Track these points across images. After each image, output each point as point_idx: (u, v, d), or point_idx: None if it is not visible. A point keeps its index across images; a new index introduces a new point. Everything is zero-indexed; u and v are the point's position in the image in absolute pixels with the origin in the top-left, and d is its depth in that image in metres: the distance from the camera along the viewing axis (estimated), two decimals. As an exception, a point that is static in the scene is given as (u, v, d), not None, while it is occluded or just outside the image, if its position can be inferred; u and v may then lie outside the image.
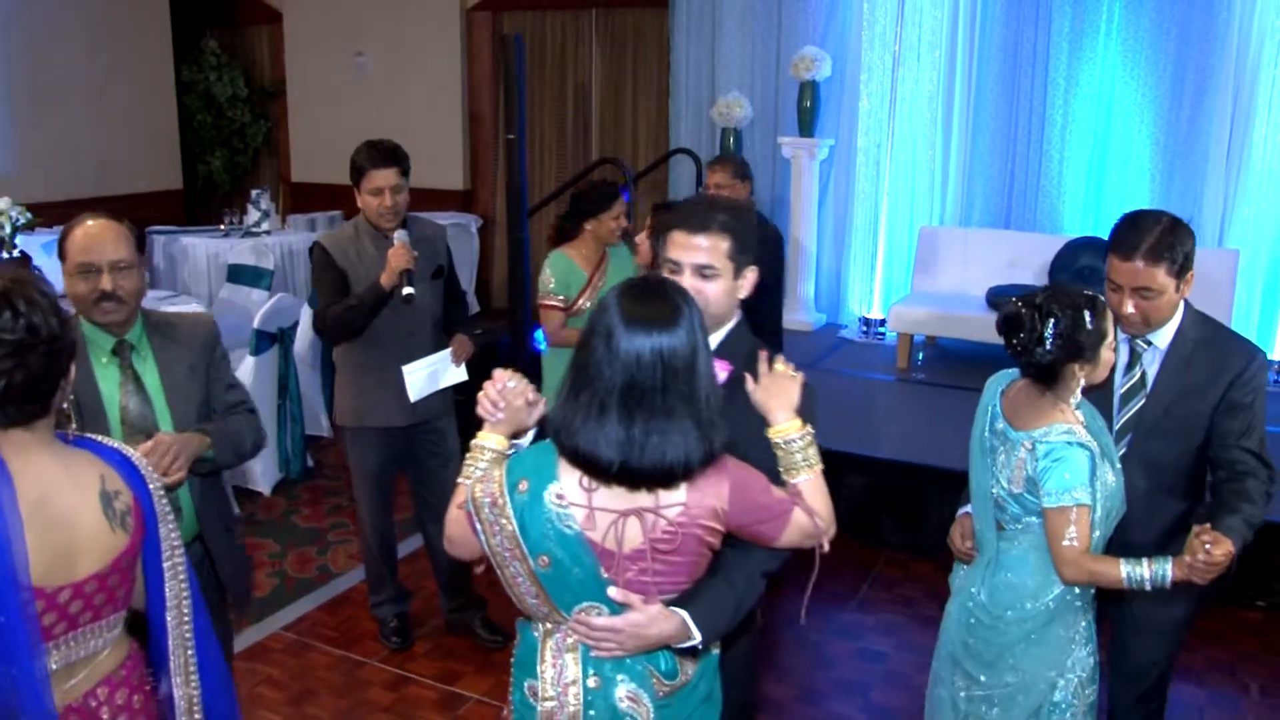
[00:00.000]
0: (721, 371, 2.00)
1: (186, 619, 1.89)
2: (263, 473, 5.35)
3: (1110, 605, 2.57)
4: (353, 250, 3.62)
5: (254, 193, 7.84)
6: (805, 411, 2.01)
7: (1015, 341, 2.29)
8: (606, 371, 1.72)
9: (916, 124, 6.92)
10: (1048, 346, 2.25)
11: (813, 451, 1.98)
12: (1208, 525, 2.22)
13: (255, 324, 5.19)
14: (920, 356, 6.32)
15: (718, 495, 1.80)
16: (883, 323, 6.78)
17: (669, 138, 7.71)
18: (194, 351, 2.62)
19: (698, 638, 1.86)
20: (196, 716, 1.91)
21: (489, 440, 1.96)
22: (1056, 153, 6.58)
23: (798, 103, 6.91)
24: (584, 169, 7.12)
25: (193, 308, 5.49)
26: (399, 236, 3.53)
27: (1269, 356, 5.96)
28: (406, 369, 3.66)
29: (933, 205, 6.98)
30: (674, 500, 1.78)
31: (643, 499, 1.78)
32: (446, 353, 3.75)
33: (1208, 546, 2.15)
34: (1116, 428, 2.53)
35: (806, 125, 6.91)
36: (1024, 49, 6.56)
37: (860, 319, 7.04)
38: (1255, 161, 6.06)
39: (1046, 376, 2.31)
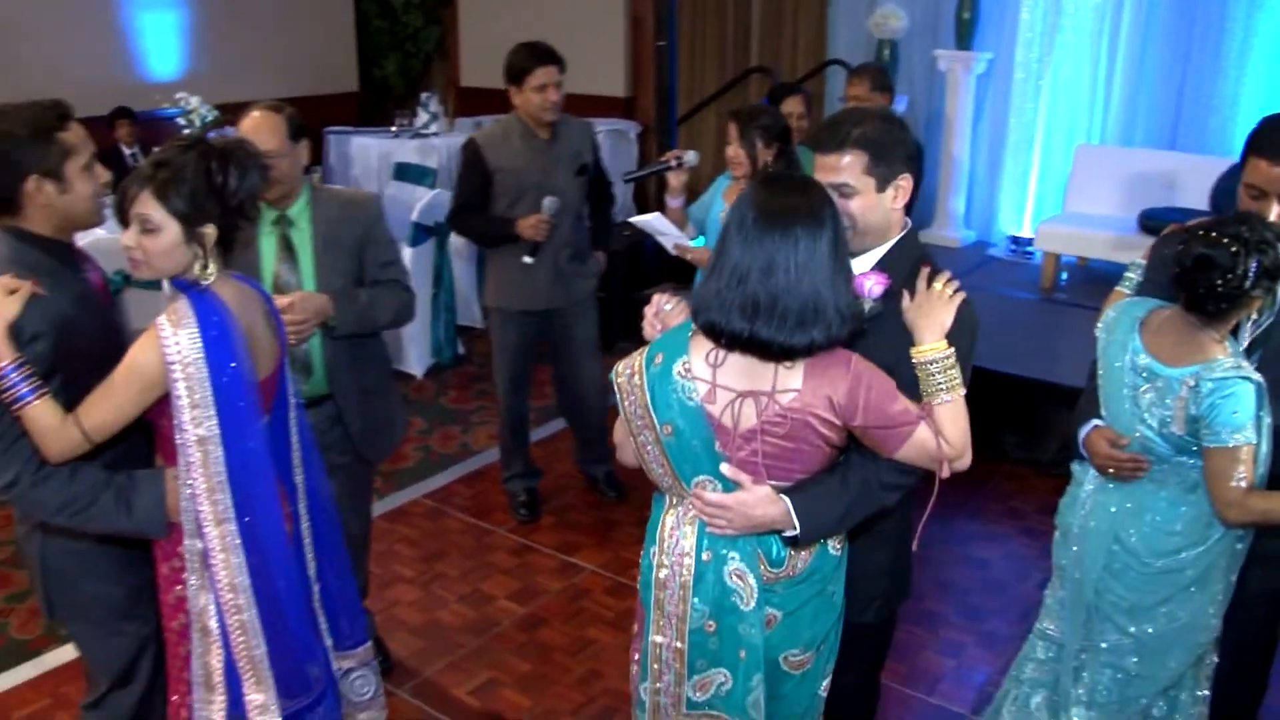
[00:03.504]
0: (879, 285, 2.03)
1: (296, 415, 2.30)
2: (417, 358, 5.77)
3: None
4: (504, 149, 3.87)
5: (423, 96, 8.22)
6: (955, 337, 1.97)
7: (1219, 282, 2.10)
8: (745, 256, 1.82)
9: (1080, 37, 6.62)
10: (1248, 285, 2.10)
11: (954, 375, 1.95)
12: None
13: (413, 217, 5.55)
14: (1065, 276, 6.20)
15: (833, 387, 1.86)
16: (1031, 241, 6.65)
17: (827, 49, 7.65)
18: (349, 228, 2.85)
19: (796, 527, 1.93)
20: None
21: None
22: (1234, 69, 6.19)
23: (956, 14, 6.75)
24: (733, 78, 7.15)
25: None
26: (546, 206, 3.76)
27: None
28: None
29: (1093, 123, 6.71)
30: (790, 385, 1.87)
31: (762, 381, 1.88)
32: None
33: None
34: (1243, 346, 2.34)
35: (964, 38, 6.75)
36: (1204, -46, 6.20)
37: (1009, 237, 6.91)
38: None
39: (1217, 311, 2.15)
